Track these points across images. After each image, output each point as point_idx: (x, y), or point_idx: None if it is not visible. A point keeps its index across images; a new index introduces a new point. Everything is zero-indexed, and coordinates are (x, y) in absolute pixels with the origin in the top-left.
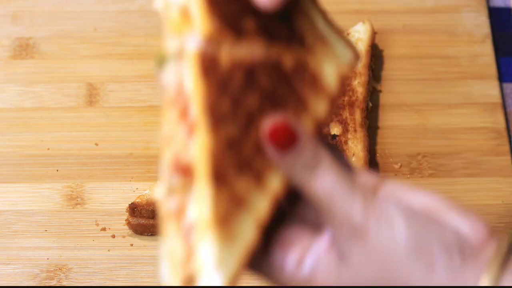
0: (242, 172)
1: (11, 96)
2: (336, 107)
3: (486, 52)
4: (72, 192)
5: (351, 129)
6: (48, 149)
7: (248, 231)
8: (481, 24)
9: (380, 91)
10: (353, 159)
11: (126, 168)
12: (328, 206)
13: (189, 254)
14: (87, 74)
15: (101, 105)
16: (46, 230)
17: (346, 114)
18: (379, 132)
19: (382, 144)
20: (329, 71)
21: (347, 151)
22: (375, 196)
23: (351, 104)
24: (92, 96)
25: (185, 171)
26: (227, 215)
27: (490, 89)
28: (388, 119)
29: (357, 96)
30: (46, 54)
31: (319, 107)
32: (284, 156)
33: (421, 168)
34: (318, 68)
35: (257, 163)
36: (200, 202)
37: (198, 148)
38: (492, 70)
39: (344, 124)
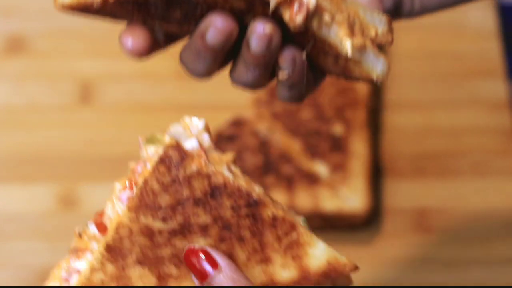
0: (142, 264)
1: (1, 94)
2: (338, 107)
3: (493, 49)
4: (65, 193)
5: (354, 128)
6: (40, 149)
7: None
8: (489, 20)
9: (384, 89)
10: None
11: (122, 169)
12: None
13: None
14: (81, 71)
15: (95, 104)
16: (37, 233)
17: (349, 113)
18: (384, 131)
19: (387, 144)
20: (318, 253)
21: (350, 151)
22: None
23: (355, 103)
24: (85, 94)
25: (101, 227)
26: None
27: (498, 87)
28: (392, 118)
29: (360, 95)
30: (38, 51)
31: (282, 272)
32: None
33: (426, 168)
34: (306, 244)
35: (165, 266)
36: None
37: (115, 217)
38: (500, 67)
39: (347, 123)
